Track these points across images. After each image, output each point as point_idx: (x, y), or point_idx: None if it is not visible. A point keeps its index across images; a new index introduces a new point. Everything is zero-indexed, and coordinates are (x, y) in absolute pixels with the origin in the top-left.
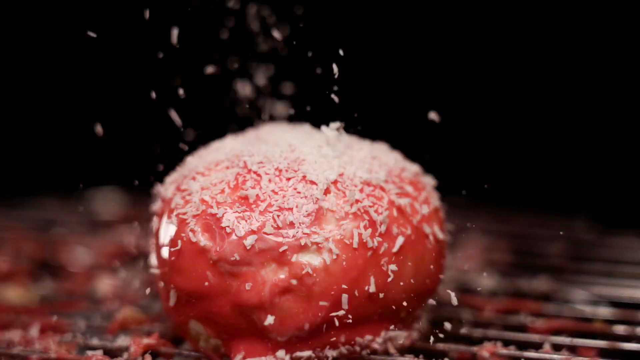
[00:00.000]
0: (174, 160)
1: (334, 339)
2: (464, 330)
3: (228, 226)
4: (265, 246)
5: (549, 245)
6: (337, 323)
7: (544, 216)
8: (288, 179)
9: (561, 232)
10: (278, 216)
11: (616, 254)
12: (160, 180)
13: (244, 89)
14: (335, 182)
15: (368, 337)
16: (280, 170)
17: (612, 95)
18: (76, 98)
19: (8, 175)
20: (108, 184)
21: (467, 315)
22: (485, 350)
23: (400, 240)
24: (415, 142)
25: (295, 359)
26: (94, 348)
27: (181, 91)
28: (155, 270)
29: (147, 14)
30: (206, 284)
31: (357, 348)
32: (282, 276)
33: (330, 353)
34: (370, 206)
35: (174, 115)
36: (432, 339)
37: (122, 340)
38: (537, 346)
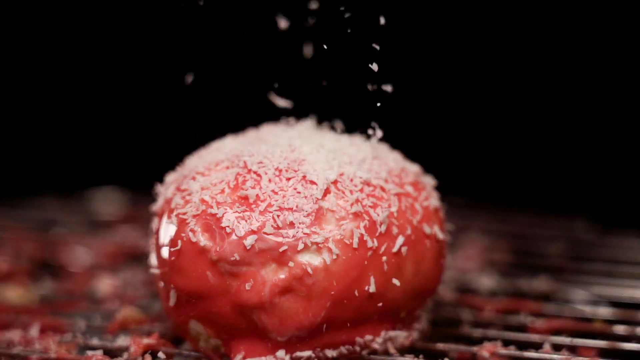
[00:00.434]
0: (174, 160)
1: (334, 339)
2: (464, 330)
3: (228, 226)
4: (265, 246)
5: (549, 245)
6: (337, 323)
7: (544, 216)
8: (288, 179)
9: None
10: (278, 216)
11: (616, 254)
12: (160, 180)
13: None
14: (335, 182)
15: (368, 337)
16: (280, 170)
17: (612, 95)
18: (76, 98)
19: (8, 175)
20: (108, 184)
21: (467, 315)
22: (485, 350)
23: (400, 240)
24: (415, 142)
25: (295, 359)
26: (94, 348)
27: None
28: (155, 270)
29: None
30: (206, 284)
31: (357, 348)
32: (282, 276)
33: (330, 353)
34: (370, 206)
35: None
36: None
37: (122, 340)
38: (537, 346)
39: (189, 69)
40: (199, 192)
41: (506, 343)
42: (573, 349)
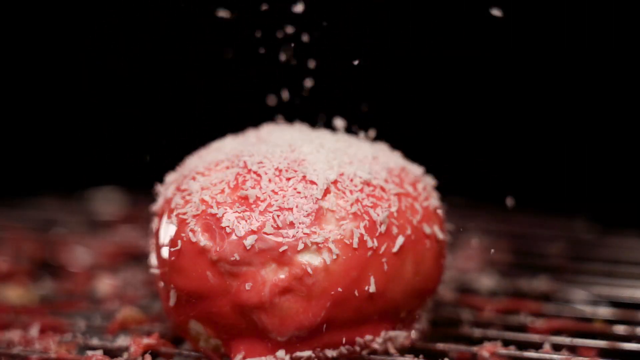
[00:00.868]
0: (174, 160)
1: (334, 339)
2: (464, 330)
3: (228, 226)
4: (265, 246)
5: (549, 245)
6: (337, 323)
7: (544, 216)
8: (288, 179)
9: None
10: (278, 216)
11: (616, 254)
12: (160, 180)
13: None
14: (335, 182)
15: (368, 337)
16: (280, 170)
17: (612, 95)
18: (76, 98)
19: (8, 175)
20: (108, 184)
21: (467, 315)
22: (485, 350)
23: (400, 240)
24: (415, 142)
25: (295, 359)
26: (94, 348)
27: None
28: (155, 270)
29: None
30: (206, 284)
31: (357, 348)
32: (282, 276)
33: (330, 353)
34: (370, 206)
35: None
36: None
37: (122, 340)
38: (537, 346)
39: (188, 69)
40: (199, 192)
41: (506, 343)
42: (573, 349)
